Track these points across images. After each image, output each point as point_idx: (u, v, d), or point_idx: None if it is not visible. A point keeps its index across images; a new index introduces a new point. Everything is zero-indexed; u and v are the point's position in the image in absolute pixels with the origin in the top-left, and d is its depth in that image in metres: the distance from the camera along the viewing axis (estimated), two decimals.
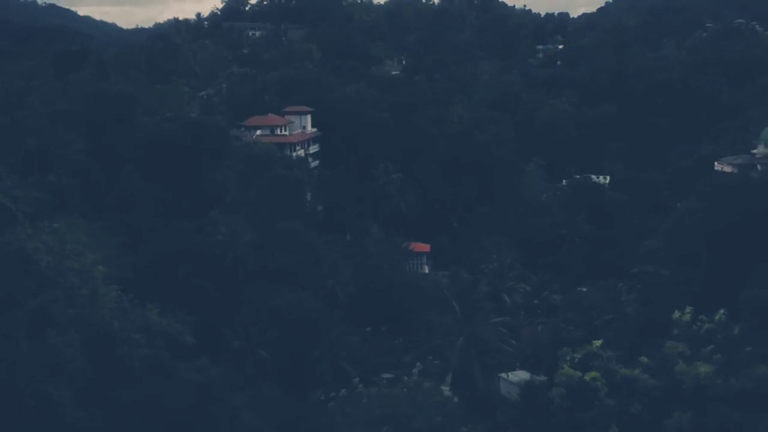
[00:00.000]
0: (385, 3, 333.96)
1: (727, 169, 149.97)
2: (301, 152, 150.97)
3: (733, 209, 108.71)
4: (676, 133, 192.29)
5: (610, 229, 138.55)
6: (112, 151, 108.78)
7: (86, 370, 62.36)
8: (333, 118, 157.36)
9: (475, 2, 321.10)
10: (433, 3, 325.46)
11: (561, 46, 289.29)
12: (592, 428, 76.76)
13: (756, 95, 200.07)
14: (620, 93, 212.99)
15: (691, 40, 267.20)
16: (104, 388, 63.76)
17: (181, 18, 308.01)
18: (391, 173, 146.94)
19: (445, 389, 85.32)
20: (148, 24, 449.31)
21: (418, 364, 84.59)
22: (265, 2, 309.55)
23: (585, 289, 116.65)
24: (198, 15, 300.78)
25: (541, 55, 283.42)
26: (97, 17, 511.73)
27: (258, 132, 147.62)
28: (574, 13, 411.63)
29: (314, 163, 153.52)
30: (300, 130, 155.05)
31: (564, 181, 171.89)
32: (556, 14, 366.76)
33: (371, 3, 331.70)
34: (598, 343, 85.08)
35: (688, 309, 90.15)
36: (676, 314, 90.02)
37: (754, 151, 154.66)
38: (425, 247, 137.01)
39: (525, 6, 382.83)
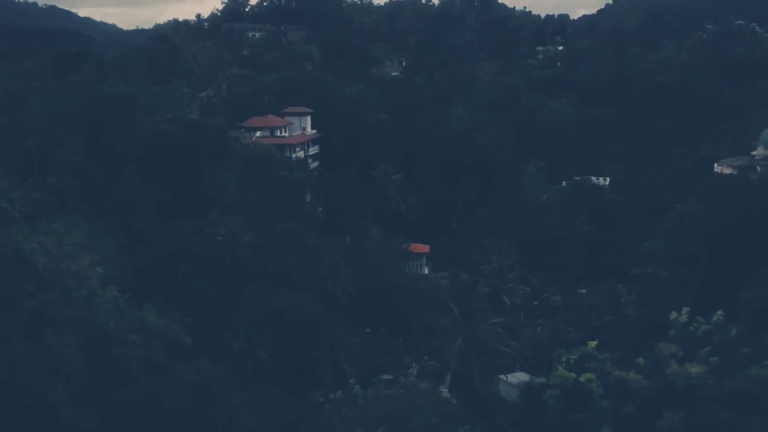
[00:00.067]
0: (385, 4, 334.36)
1: (727, 170, 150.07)
2: (301, 153, 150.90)
3: (733, 211, 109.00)
4: (676, 134, 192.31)
5: (609, 231, 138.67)
6: (112, 152, 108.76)
7: (83, 371, 62.45)
8: (333, 119, 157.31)
9: (475, 4, 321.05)
10: (433, 4, 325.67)
11: (561, 48, 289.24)
12: (586, 429, 77.03)
13: (756, 97, 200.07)
14: (620, 94, 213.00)
15: (690, 42, 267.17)
16: (101, 389, 63.78)
17: (181, 19, 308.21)
18: (391, 174, 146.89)
19: (444, 390, 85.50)
20: (148, 25, 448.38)
21: (414, 365, 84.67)
22: (265, 3, 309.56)
23: (584, 291, 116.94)
24: (198, 16, 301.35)
25: (541, 57, 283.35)
26: (98, 18, 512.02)
27: (258, 133, 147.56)
28: (574, 15, 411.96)
29: (314, 165, 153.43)
30: (300, 132, 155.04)
31: (564, 182, 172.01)
32: (556, 16, 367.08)
33: (371, 4, 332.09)
34: (593, 344, 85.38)
35: (685, 310, 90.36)
36: (673, 315, 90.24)
37: (754, 152, 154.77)
38: (425, 248, 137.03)
39: (525, 7, 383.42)
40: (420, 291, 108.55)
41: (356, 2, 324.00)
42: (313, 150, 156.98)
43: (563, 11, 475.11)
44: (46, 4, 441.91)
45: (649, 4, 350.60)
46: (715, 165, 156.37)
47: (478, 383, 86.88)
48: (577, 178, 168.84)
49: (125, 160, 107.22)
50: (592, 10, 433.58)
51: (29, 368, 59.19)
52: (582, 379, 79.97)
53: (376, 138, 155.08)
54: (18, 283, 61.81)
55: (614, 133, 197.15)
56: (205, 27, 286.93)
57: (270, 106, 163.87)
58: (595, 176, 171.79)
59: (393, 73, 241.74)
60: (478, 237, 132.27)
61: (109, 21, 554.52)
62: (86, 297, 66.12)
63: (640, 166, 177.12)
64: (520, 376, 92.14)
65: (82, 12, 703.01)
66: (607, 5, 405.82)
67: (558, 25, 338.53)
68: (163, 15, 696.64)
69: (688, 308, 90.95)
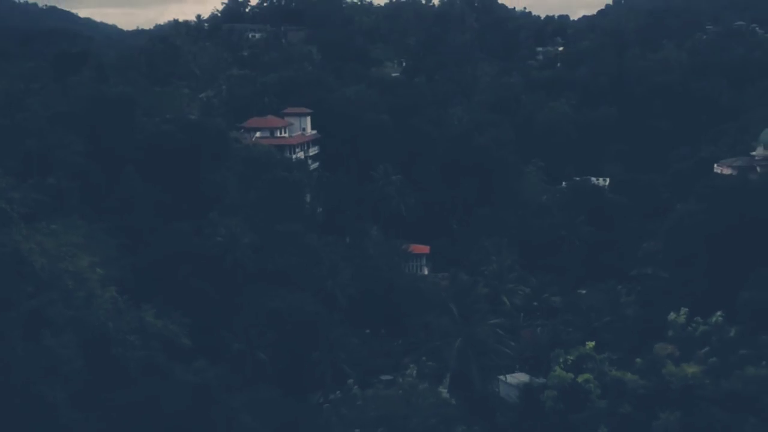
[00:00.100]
0: (385, 5, 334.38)
1: (727, 171, 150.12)
2: (301, 154, 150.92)
3: (733, 211, 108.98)
4: (676, 135, 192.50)
5: (609, 232, 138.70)
6: (112, 153, 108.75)
7: (82, 372, 62.36)
8: (333, 120, 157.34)
9: (476, 4, 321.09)
10: (433, 5, 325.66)
11: (561, 49, 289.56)
12: (584, 429, 77.19)
13: (756, 97, 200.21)
14: (620, 95, 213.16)
15: (690, 43, 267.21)
16: (100, 390, 63.73)
17: (181, 20, 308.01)
18: (391, 175, 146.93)
19: (443, 391, 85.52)
20: (148, 26, 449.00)
21: (411, 365, 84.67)
22: (265, 4, 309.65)
23: (584, 291, 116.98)
24: (198, 17, 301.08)
25: (541, 57, 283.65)
26: (98, 19, 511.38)
27: (257, 134, 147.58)
28: (574, 16, 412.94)
29: (314, 165, 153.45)
30: (300, 132, 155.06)
31: (564, 183, 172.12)
32: (556, 17, 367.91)
33: (371, 5, 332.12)
34: (591, 344, 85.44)
35: (683, 311, 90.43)
36: (672, 316, 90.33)
37: (754, 153, 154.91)
38: (425, 249, 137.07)
39: (525, 8, 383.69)
40: (419, 292, 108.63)
41: (356, 3, 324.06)
42: (313, 151, 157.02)
43: (563, 12, 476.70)
44: (46, 5, 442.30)
45: (649, 4, 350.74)
46: (715, 166, 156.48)
47: (477, 384, 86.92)
48: (577, 178, 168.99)
49: (125, 161, 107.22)
50: (592, 11, 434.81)
51: (27, 369, 59.12)
52: (580, 379, 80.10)
53: (376, 138, 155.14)
54: (16, 284, 61.75)
55: (614, 134, 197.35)
56: (205, 28, 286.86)
57: (270, 107, 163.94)
58: (594, 177, 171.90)
59: (393, 74, 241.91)
60: (478, 238, 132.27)
61: (110, 22, 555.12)
62: (85, 298, 66.06)
63: (639, 166, 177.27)
64: (520, 377, 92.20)
65: (83, 13, 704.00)
66: (607, 6, 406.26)
67: (558, 25, 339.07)
68: (163, 16, 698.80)
69: (687, 309, 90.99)
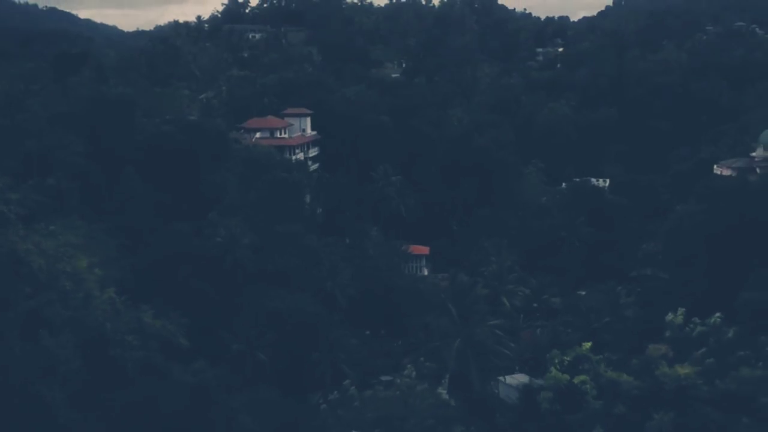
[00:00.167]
0: (385, 6, 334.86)
1: (726, 172, 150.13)
2: (301, 155, 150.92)
3: (732, 212, 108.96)
4: (676, 136, 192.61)
5: (609, 232, 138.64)
6: (112, 154, 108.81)
7: (80, 372, 62.36)
8: (333, 120, 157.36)
9: (476, 5, 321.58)
10: (434, 6, 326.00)
11: (561, 50, 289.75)
12: (580, 430, 77.30)
13: (755, 98, 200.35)
14: (620, 96, 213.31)
15: (690, 43, 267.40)
16: (98, 390, 63.73)
17: (181, 21, 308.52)
18: (391, 176, 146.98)
19: (443, 392, 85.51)
20: (148, 27, 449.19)
21: (409, 366, 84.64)
22: (265, 5, 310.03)
23: (584, 292, 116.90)
24: (198, 18, 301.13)
25: (541, 58, 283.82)
26: (98, 20, 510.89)
27: (257, 134, 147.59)
28: (574, 17, 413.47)
29: (314, 166, 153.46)
30: (299, 133, 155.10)
31: (563, 184, 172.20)
32: (556, 18, 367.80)
33: (371, 6, 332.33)
34: (587, 345, 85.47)
35: (681, 311, 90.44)
36: (669, 316, 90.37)
37: (753, 154, 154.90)
38: (424, 250, 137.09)
39: (525, 9, 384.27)
40: (419, 292, 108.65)
41: (356, 4, 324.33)
42: (313, 151, 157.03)
43: (563, 13, 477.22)
44: (46, 6, 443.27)
45: (649, 5, 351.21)
46: (715, 166, 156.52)
47: (476, 385, 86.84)
48: (577, 179, 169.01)
49: (125, 162, 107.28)
50: (592, 12, 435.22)
51: (25, 369, 59.14)
52: (576, 380, 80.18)
53: (376, 139, 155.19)
54: (14, 284, 61.76)
55: (614, 135, 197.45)
56: (206, 28, 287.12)
57: (270, 108, 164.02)
58: (594, 178, 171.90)
59: (393, 75, 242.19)
60: (478, 238, 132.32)
61: (110, 23, 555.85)
62: (83, 298, 66.10)
63: (639, 167, 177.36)
64: (520, 378, 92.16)
65: (83, 14, 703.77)
66: (607, 7, 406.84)
67: (558, 26, 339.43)
68: (163, 17, 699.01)
69: (684, 309, 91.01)
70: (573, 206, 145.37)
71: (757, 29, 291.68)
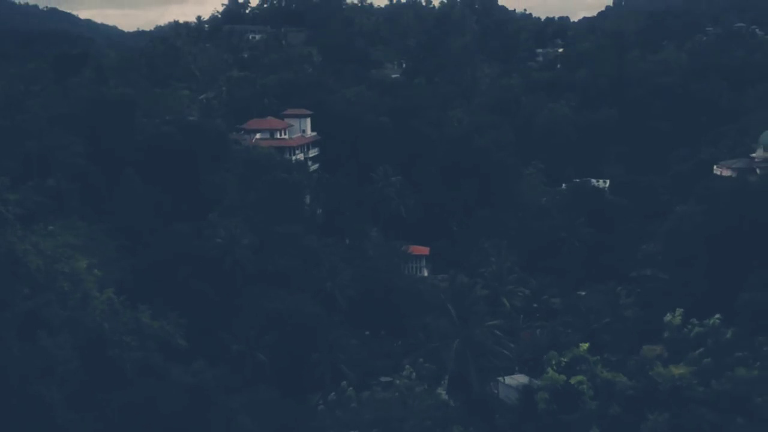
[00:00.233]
0: (385, 6, 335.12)
1: (726, 172, 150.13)
2: (301, 156, 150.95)
3: (732, 213, 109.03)
4: (676, 136, 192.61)
5: (609, 233, 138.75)
6: (112, 155, 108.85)
7: (78, 372, 62.36)
8: (333, 121, 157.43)
9: (476, 6, 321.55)
10: (434, 7, 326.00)
11: (561, 50, 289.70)
12: (576, 430, 77.36)
13: (755, 99, 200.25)
14: (620, 97, 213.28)
15: (690, 44, 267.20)
16: (97, 391, 63.73)
17: (181, 21, 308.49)
18: (391, 177, 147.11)
19: (442, 392, 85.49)
20: (148, 27, 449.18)
21: (407, 367, 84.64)
22: (265, 5, 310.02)
23: (584, 293, 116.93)
24: (198, 18, 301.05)
25: (541, 59, 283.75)
26: (98, 21, 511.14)
27: (257, 135, 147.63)
28: (575, 17, 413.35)
29: (313, 167, 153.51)
30: (299, 134, 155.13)
31: (563, 184, 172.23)
32: (556, 18, 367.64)
33: (372, 6, 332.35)
34: (585, 346, 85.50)
35: (679, 312, 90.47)
36: (668, 317, 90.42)
37: (753, 154, 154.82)
38: (424, 251, 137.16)
39: (525, 10, 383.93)
40: (419, 293, 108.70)
41: (356, 4, 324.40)
42: (313, 152, 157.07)
43: (563, 14, 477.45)
44: (46, 7, 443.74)
45: (649, 6, 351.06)
46: (715, 167, 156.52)
47: (475, 385, 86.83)
48: (577, 180, 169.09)
49: (125, 163, 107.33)
50: (592, 13, 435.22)
51: (24, 369, 59.17)
52: (573, 381, 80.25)
53: (376, 140, 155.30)
54: (12, 285, 61.77)
55: (614, 136, 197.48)
56: (206, 29, 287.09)
57: (270, 108, 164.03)
58: (594, 178, 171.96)
59: (393, 76, 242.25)
60: (478, 239, 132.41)
61: (110, 23, 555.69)
62: (81, 299, 66.10)
63: (639, 168, 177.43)
64: (519, 378, 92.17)
65: (83, 14, 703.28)
66: (607, 8, 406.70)
67: (558, 27, 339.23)
68: (163, 17, 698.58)
69: (682, 310, 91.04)
70: (573, 207, 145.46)
71: (757, 30, 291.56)
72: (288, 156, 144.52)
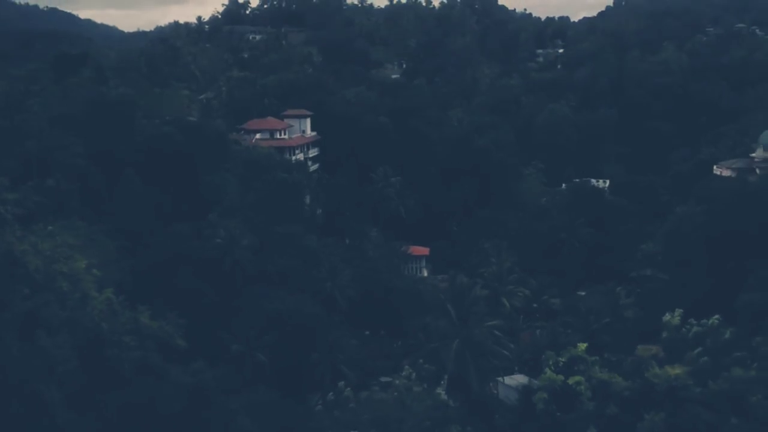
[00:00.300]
0: (385, 7, 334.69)
1: (726, 173, 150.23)
2: (301, 156, 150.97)
3: (732, 213, 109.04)
4: (676, 137, 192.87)
5: (609, 233, 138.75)
6: (112, 155, 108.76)
7: (77, 372, 62.35)
8: (332, 121, 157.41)
9: (476, 6, 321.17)
10: (434, 7, 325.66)
11: (561, 50, 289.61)
12: (574, 430, 77.45)
13: (755, 99, 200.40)
14: (620, 97, 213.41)
15: (691, 45, 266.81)
16: (96, 391, 63.72)
17: (181, 21, 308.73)
18: (391, 177, 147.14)
19: (441, 393, 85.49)
20: (149, 27, 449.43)
21: (406, 367, 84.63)
22: (265, 6, 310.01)
23: (584, 293, 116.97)
24: (199, 18, 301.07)
25: (541, 59, 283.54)
26: (98, 21, 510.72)
27: (257, 135, 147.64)
28: (575, 17, 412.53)
29: (313, 167, 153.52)
30: (299, 134, 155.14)
31: (563, 185, 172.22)
32: (556, 18, 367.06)
33: (372, 7, 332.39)
34: (582, 346, 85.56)
35: (678, 312, 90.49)
36: (666, 317, 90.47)
37: (753, 155, 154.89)
38: (424, 251, 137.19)
39: (525, 10, 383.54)
40: (418, 293, 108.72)
41: (357, 5, 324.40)
42: (313, 152, 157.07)
43: (563, 14, 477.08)
44: (47, 6, 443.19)
45: (649, 6, 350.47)
46: (715, 167, 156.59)
47: (474, 386, 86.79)
48: (577, 180, 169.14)
49: (125, 163, 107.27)
50: (592, 13, 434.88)
51: (23, 369, 59.18)
52: (571, 381, 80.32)
53: (376, 140, 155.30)
54: (10, 285, 61.79)
55: (614, 136, 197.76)
56: (206, 29, 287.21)
57: (270, 109, 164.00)
58: (594, 179, 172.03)
59: (393, 76, 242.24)
60: (478, 239, 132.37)
61: (110, 23, 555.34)
62: (80, 299, 66.10)
63: (639, 168, 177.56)
64: (519, 379, 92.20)
65: (83, 14, 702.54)
66: (607, 8, 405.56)
67: (558, 27, 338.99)
68: (163, 17, 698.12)
69: (681, 310, 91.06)
70: (573, 207, 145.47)
71: (757, 30, 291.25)
72: (288, 156, 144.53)
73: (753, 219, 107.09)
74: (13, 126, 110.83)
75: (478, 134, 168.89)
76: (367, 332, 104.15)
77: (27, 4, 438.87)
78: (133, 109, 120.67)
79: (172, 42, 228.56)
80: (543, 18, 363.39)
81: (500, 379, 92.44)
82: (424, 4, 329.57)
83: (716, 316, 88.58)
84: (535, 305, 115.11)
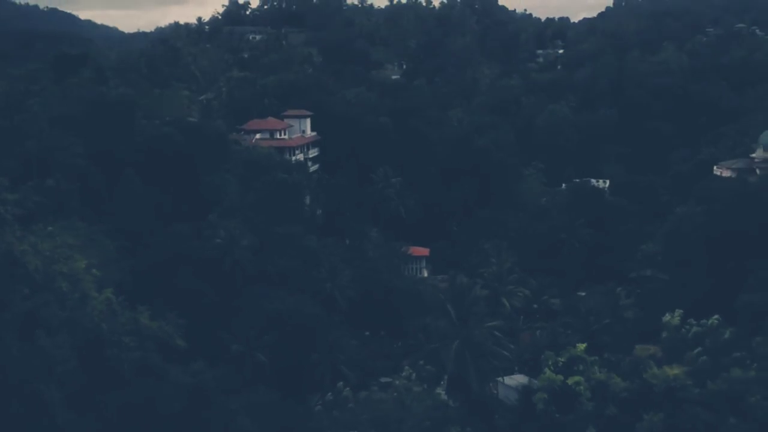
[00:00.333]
0: (385, 7, 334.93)
1: (726, 173, 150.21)
2: (301, 156, 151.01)
3: (732, 214, 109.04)
4: (676, 137, 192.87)
5: (609, 234, 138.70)
6: (112, 155, 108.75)
7: (77, 372, 62.36)
8: (333, 122, 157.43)
9: (476, 7, 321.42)
10: (434, 7, 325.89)
11: (561, 51, 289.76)
12: (573, 431, 77.49)
13: (756, 100, 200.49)
14: (620, 97, 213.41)
15: (691, 45, 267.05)
16: (96, 391, 63.74)
17: (182, 22, 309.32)
18: (391, 177, 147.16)
19: (441, 393, 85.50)
20: (149, 28, 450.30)
21: (406, 368, 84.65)
22: (265, 6, 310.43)
23: (584, 294, 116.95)
24: (199, 19, 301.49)
25: (541, 60, 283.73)
26: (99, 21, 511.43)
27: (257, 136, 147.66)
28: (575, 18, 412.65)
29: (313, 167, 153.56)
30: (299, 134, 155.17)
31: (563, 185, 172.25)
32: (556, 19, 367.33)
33: (372, 7, 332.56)
34: (582, 346, 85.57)
35: (678, 312, 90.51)
36: (666, 317, 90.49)
37: (753, 155, 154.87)
38: (424, 251, 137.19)
39: (525, 10, 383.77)
40: (418, 294, 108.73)
41: (357, 5, 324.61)
42: (313, 153, 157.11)
43: (564, 14, 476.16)
44: (47, 7, 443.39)
45: (649, 7, 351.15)
46: (715, 168, 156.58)
47: (474, 386, 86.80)
48: (577, 180, 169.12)
49: (125, 163, 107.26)
50: (592, 13, 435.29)
51: (23, 369, 59.20)
52: (570, 381, 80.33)
53: (376, 141, 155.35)
54: (10, 285, 61.80)
55: (614, 136, 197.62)
56: (206, 30, 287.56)
57: (270, 109, 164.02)
58: (594, 179, 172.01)
59: (393, 76, 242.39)
60: (478, 240, 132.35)
61: (110, 24, 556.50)
62: (79, 299, 66.11)
63: (639, 168, 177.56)
64: (519, 379, 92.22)
65: (84, 15, 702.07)
66: (607, 8, 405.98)
67: (558, 28, 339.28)
68: (164, 18, 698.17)
69: (681, 311, 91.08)
70: (573, 207, 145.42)
71: (757, 31, 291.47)
72: (288, 156, 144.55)
73: (753, 219, 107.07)
74: (13, 126, 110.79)
75: (478, 134, 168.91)
76: (367, 332, 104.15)
77: (27, 5, 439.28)
78: (133, 110, 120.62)
79: (173, 42, 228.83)
80: (543, 18, 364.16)
81: (500, 379, 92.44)
82: (424, 4, 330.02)
83: (716, 317, 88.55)
84: (535, 305, 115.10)
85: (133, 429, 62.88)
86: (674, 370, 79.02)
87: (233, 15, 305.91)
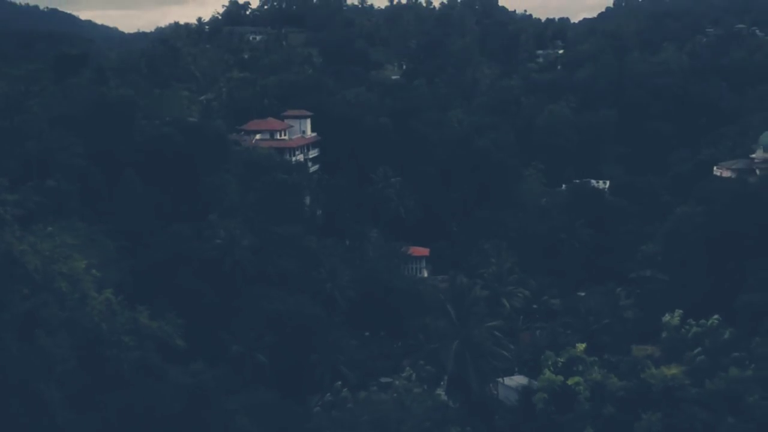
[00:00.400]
0: (385, 8, 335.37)
1: (726, 173, 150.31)
2: (301, 157, 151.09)
3: (732, 214, 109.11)
4: (676, 137, 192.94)
5: (609, 234, 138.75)
6: (112, 156, 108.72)
7: (76, 372, 62.36)
8: (333, 122, 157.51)
9: (476, 7, 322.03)
10: (434, 8, 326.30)
11: (561, 51, 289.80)
12: (571, 431, 77.57)
13: (756, 100, 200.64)
14: (620, 98, 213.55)
15: (691, 45, 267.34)
16: (95, 391, 63.75)
17: (182, 22, 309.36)
18: (391, 178, 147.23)
19: (441, 393, 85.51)
20: (149, 28, 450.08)
21: (407, 368, 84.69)
22: (266, 7, 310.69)
23: (583, 294, 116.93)
24: (199, 19, 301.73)
25: (541, 60, 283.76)
26: (99, 22, 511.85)
27: (257, 136, 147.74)
28: (575, 19, 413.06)
29: (313, 168, 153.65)
30: (299, 135, 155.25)
31: (563, 185, 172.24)
32: (556, 19, 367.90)
33: (372, 7, 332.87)
34: (581, 347, 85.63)
35: (677, 312, 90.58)
36: (666, 317, 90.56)
37: (753, 155, 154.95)
38: (424, 252, 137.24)
39: (525, 11, 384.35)
40: (418, 294, 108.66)
41: (357, 5, 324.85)
42: (313, 153, 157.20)
43: (564, 15, 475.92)
44: (47, 7, 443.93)
45: (649, 7, 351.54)
46: (715, 168, 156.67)
47: (474, 386, 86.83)
48: (577, 181, 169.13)
49: (125, 164, 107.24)
50: (592, 14, 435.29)
51: (23, 369, 59.20)
52: (570, 382, 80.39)
53: (376, 141, 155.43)
54: (9, 285, 61.81)
55: (614, 137, 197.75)
56: (206, 30, 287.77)
57: (270, 109, 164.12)
58: (594, 179, 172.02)
59: (393, 77, 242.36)
60: (478, 240, 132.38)
61: (111, 24, 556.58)
62: (79, 299, 66.12)
63: (639, 169, 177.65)
64: (519, 379, 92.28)
65: (84, 15, 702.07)
66: (607, 9, 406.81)
67: (558, 28, 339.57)
68: (164, 18, 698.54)
69: (681, 311, 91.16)
70: (573, 208, 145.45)
71: (757, 31, 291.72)
72: (288, 157, 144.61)
73: (753, 220, 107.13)
74: (13, 126, 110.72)
75: (478, 135, 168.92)
76: (367, 333, 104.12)
77: (27, 5, 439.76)
78: (134, 110, 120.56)
79: (173, 43, 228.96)
80: (543, 19, 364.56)
81: (500, 379, 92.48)
82: (424, 4, 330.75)
83: (715, 317, 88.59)
84: (534, 306, 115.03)
85: (133, 429, 62.88)
86: (672, 370, 79.12)
87: (233, 15, 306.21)
